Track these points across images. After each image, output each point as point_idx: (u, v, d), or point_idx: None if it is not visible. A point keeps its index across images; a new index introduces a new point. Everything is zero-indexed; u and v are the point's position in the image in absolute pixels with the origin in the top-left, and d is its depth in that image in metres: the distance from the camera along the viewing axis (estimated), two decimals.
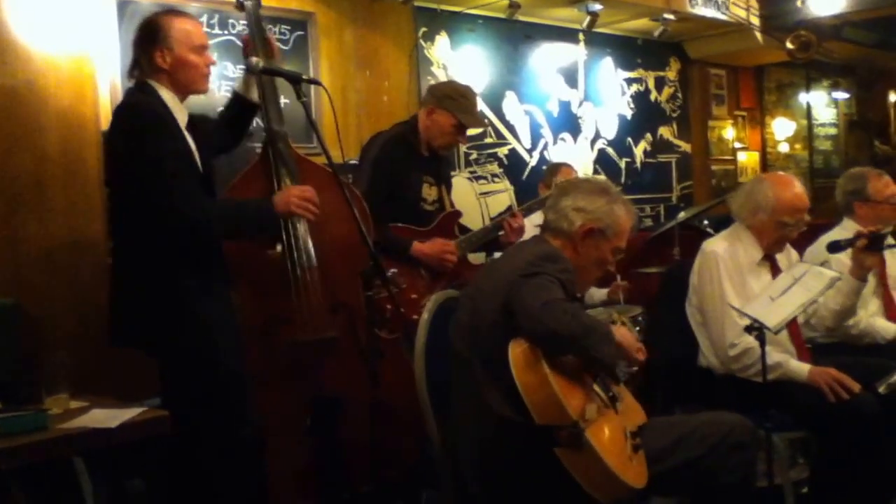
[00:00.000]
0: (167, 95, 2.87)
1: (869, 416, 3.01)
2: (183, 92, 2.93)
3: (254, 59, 3.11)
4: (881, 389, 2.83)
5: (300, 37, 4.95)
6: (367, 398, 3.08)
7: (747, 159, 8.13)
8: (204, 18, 4.47)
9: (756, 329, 2.88)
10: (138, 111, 2.81)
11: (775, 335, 2.98)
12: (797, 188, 3.34)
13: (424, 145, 3.86)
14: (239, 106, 3.28)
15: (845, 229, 3.83)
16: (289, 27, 4.90)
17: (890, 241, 3.73)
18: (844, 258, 3.53)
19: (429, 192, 3.86)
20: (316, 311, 3.11)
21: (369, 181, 3.57)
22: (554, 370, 2.26)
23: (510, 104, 6.04)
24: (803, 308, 2.99)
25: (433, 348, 2.68)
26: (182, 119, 2.90)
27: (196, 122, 3.00)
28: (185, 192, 2.76)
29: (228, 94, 4.51)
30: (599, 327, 2.35)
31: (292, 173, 3.16)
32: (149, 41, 2.88)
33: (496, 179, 5.92)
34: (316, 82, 3.27)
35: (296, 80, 2.89)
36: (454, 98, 3.84)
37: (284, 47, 4.85)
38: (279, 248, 3.13)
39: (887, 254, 3.77)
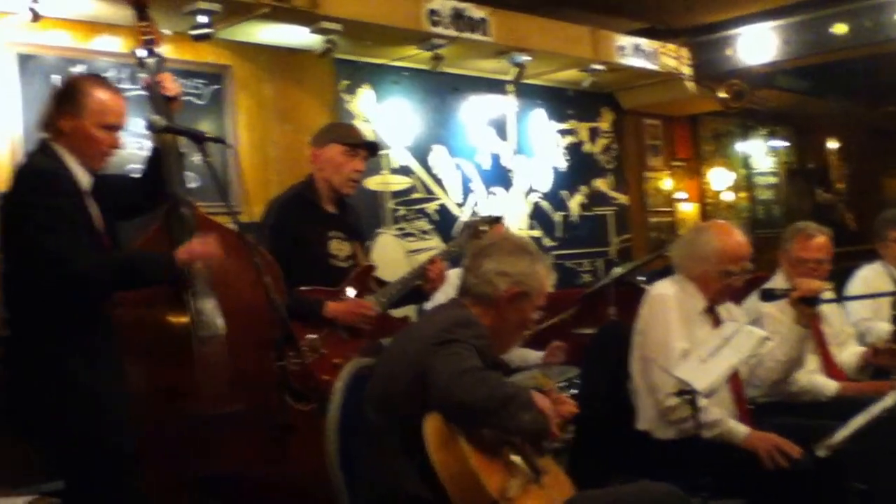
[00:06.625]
0: (69, 159, 2.78)
1: (806, 479, 2.91)
2: (80, 160, 2.82)
3: (155, 118, 2.99)
4: (820, 452, 2.71)
5: (216, 91, 4.88)
6: (270, 476, 2.92)
7: (687, 211, 8.07)
8: (112, 73, 4.37)
9: (687, 392, 2.79)
10: (36, 173, 2.73)
11: (706, 398, 2.89)
12: (739, 236, 3.31)
13: (328, 199, 3.70)
14: (157, 163, 3.12)
15: (776, 283, 3.80)
16: (204, 81, 4.83)
17: (828, 294, 3.64)
18: (776, 311, 3.47)
19: (339, 249, 3.68)
20: (220, 383, 2.96)
21: (270, 247, 3.41)
22: (472, 445, 2.17)
23: (439, 158, 5.93)
24: (733, 370, 2.92)
25: (349, 421, 2.55)
26: (85, 183, 2.81)
27: (106, 182, 2.91)
28: (73, 245, 2.66)
29: (136, 152, 4.39)
30: (518, 396, 2.27)
31: (193, 238, 3.02)
32: (61, 102, 2.80)
33: (426, 236, 5.77)
34: (220, 140, 3.11)
35: (199, 139, 2.82)
36: (331, 129, 3.86)
37: (200, 102, 4.78)
38: (183, 318, 2.97)
39: (827, 309, 3.72)
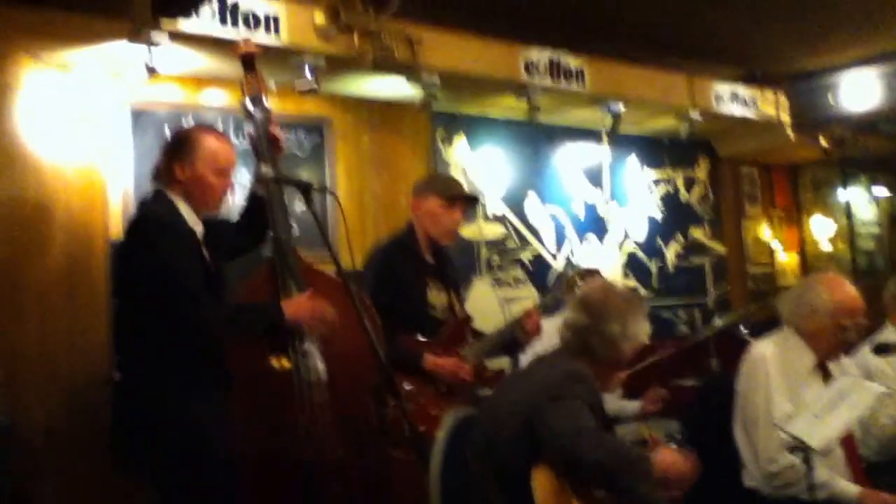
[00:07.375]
0: (182, 206, 2.89)
1: None
2: (194, 207, 2.93)
3: (264, 168, 3.09)
4: None
5: (317, 142, 4.96)
6: None
7: (787, 261, 7.84)
8: (219, 124, 4.47)
9: (801, 450, 2.72)
10: (154, 222, 2.81)
11: (823, 457, 2.81)
12: (851, 289, 3.23)
13: (427, 248, 3.75)
14: (257, 206, 3.21)
15: (886, 336, 3.70)
16: (305, 133, 4.91)
17: None
18: (885, 366, 3.39)
19: (437, 298, 3.72)
20: (323, 428, 2.98)
21: (374, 293, 3.42)
22: (581, 502, 2.21)
23: (532, 206, 5.91)
24: (849, 427, 2.84)
25: (450, 471, 2.58)
26: (198, 230, 2.91)
27: (213, 225, 3.02)
28: (193, 294, 2.75)
29: (241, 203, 4.52)
30: (639, 462, 2.26)
31: (299, 285, 3.08)
32: (174, 151, 2.92)
33: (520, 285, 5.73)
34: (328, 191, 3.16)
35: (306, 189, 2.87)
36: (430, 181, 3.94)
37: (300, 154, 4.86)
38: (286, 362, 3.01)
39: None
